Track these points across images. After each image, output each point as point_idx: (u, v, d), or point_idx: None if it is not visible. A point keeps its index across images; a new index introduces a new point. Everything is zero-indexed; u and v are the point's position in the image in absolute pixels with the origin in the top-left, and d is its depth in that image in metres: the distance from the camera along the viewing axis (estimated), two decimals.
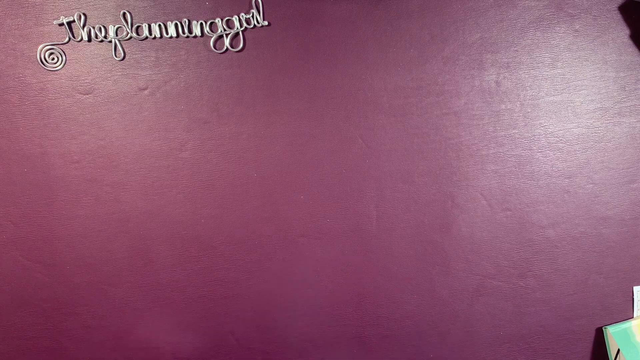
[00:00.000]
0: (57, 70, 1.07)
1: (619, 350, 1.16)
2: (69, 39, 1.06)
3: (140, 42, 1.08)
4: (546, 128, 1.14)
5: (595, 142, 1.15)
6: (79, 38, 1.06)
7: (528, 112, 1.13)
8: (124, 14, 1.06)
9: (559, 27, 1.12)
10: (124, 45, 1.07)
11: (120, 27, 1.06)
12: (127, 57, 1.08)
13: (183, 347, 1.17)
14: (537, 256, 1.17)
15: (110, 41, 1.07)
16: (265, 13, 1.08)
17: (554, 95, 1.13)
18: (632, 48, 1.13)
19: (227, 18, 1.08)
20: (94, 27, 1.06)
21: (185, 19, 1.07)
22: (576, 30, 1.12)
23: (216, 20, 1.07)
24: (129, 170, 1.11)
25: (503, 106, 1.13)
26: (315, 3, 1.09)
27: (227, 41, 1.08)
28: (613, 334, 1.17)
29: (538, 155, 1.15)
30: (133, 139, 1.10)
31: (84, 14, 1.06)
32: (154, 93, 1.09)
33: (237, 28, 1.08)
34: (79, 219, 1.11)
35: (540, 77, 1.13)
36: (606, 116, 1.14)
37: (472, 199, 1.15)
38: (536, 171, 1.15)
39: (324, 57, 1.10)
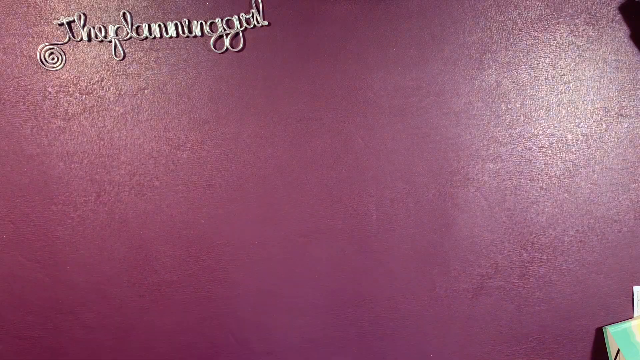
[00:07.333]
0: (57, 70, 1.07)
1: (619, 350, 1.16)
2: (69, 39, 1.06)
3: (140, 42, 1.08)
4: (546, 128, 1.14)
5: (595, 142, 1.15)
6: (79, 38, 1.06)
7: (528, 112, 1.13)
8: (124, 14, 1.06)
9: (559, 27, 1.12)
10: (124, 45, 1.07)
11: (120, 27, 1.06)
12: (127, 57, 1.08)
13: (183, 347, 1.16)
14: (537, 256, 1.17)
15: (110, 41, 1.07)
16: (265, 13, 1.08)
17: (554, 95, 1.13)
18: (632, 48, 1.13)
19: (227, 18, 1.08)
20: (94, 27, 1.06)
21: (185, 19, 1.07)
22: (576, 30, 1.12)
23: (216, 20, 1.07)
24: (129, 170, 1.11)
25: (503, 106, 1.13)
26: (315, 3, 1.09)
27: (227, 41, 1.08)
28: (613, 334, 1.17)
29: (538, 155, 1.15)
30: (133, 139, 1.10)
31: (84, 14, 1.06)
32: (153, 93, 1.09)
33: (237, 28, 1.08)
34: (79, 219, 1.11)
35: (540, 77, 1.13)
36: (606, 116, 1.14)
37: (472, 199, 1.15)
38: (536, 171, 1.15)
39: (324, 57, 1.10)
